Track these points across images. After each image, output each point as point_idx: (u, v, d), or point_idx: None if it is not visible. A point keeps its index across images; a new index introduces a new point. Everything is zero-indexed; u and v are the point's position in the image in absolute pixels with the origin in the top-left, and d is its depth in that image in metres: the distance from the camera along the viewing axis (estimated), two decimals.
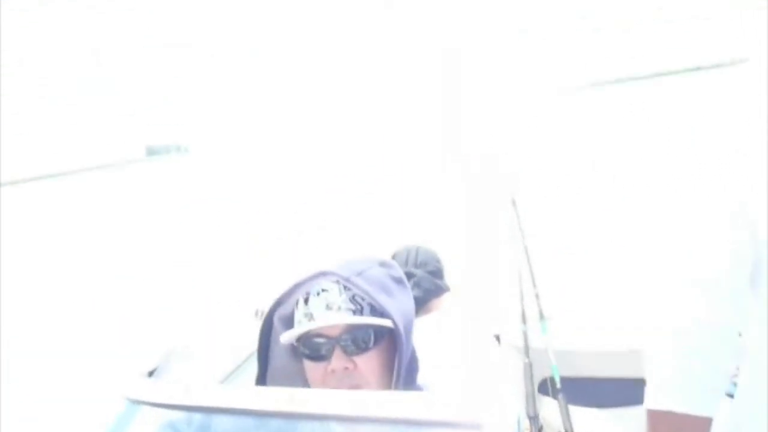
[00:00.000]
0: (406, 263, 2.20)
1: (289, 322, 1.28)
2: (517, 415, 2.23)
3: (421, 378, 1.33)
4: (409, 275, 2.13)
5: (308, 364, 1.22)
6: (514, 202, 3.53)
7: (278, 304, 1.30)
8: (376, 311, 1.21)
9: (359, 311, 1.19)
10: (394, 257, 2.24)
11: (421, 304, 2.10)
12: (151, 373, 1.42)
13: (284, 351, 1.31)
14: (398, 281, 1.31)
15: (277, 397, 0.88)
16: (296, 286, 1.28)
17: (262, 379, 1.31)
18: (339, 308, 1.19)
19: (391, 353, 1.23)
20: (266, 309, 1.38)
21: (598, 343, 2.71)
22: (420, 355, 2.06)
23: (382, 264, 1.34)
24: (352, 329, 1.18)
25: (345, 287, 1.21)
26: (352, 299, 1.20)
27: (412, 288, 2.17)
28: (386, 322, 1.19)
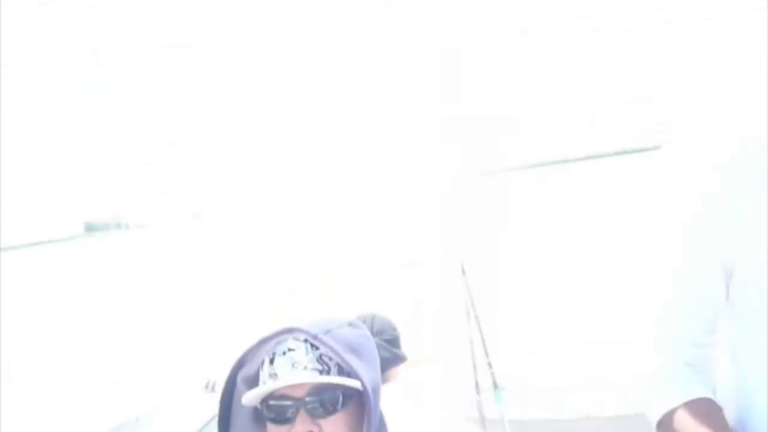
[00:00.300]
0: None
1: (253, 383, 1.21)
2: None
3: None
4: None
5: (271, 428, 1.16)
6: (463, 271, 3.55)
7: (241, 363, 1.24)
8: (344, 372, 1.17)
9: (326, 371, 1.15)
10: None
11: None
12: None
13: (247, 415, 1.25)
14: (367, 342, 1.28)
15: None
16: (261, 343, 1.22)
17: None
18: (305, 367, 1.14)
19: (358, 417, 1.19)
20: (217, 380, 1.32)
21: (553, 411, 2.70)
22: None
23: (351, 324, 1.31)
24: (318, 391, 1.14)
25: (312, 346, 1.17)
26: (319, 359, 1.16)
27: None
28: (354, 383, 1.16)
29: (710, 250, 1.01)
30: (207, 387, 1.84)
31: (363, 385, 1.15)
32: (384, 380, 2.02)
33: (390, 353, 2.10)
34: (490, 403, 2.80)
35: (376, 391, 1.19)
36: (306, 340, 1.18)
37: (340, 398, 1.15)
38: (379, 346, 2.02)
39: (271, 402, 1.15)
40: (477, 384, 2.86)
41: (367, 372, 1.19)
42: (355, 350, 1.22)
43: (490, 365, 2.90)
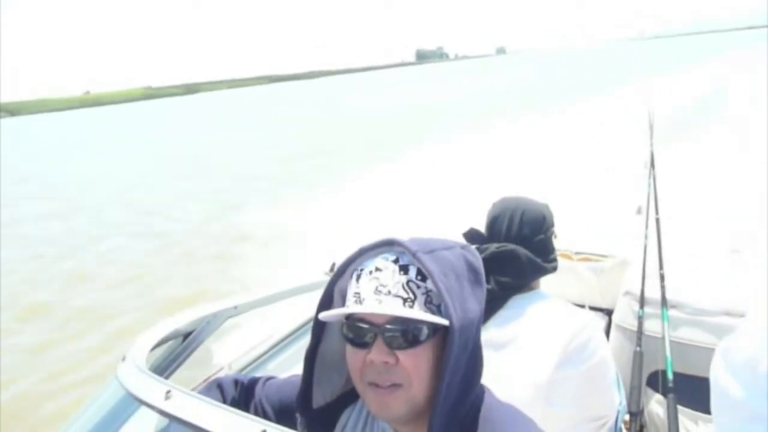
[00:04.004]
0: (508, 232, 1.89)
1: (345, 296, 1.14)
2: (616, 408, 1.97)
3: (486, 376, 1.15)
4: (508, 252, 1.85)
5: (349, 349, 1.08)
6: (652, 162, 3.11)
7: (339, 273, 1.16)
8: (432, 302, 1.03)
9: (411, 300, 1.02)
10: (494, 222, 1.95)
11: (518, 284, 1.85)
12: (186, 336, 1.35)
13: (338, 329, 1.17)
14: (473, 270, 1.11)
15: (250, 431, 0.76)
16: (359, 253, 1.12)
17: (312, 354, 1.19)
18: (389, 292, 1.02)
19: (445, 350, 1.05)
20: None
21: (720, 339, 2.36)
22: (503, 335, 1.85)
23: (463, 247, 1.15)
24: (401, 319, 1.01)
25: (401, 269, 1.04)
26: (406, 285, 1.02)
27: (511, 261, 1.91)
28: (438, 320, 1.01)
29: None
30: (332, 269, 1.79)
31: (451, 320, 1.01)
32: (528, 288, 1.83)
33: (532, 265, 1.85)
34: (654, 319, 2.51)
35: (467, 328, 1.03)
36: (396, 261, 1.05)
37: (424, 330, 1.02)
38: (522, 256, 1.80)
39: (351, 323, 1.06)
40: (642, 296, 2.56)
41: (462, 304, 1.04)
42: (457, 277, 1.06)
43: (662, 277, 2.56)
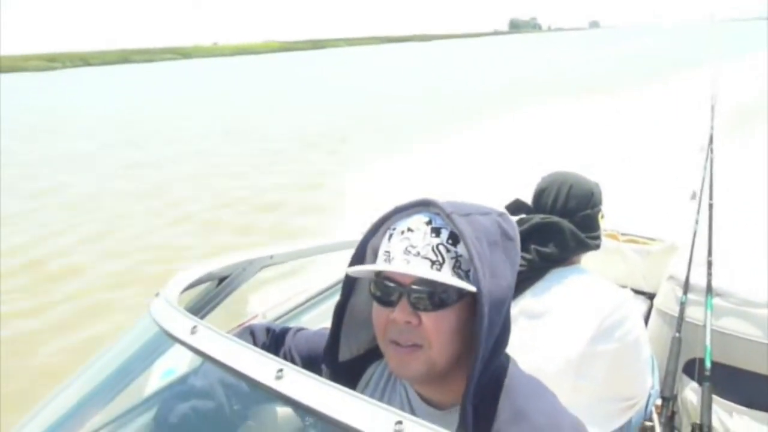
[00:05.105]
0: (554, 205, 1.87)
1: (377, 253, 1.14)
2: (648, 392, 1.95)
3: (519, 344, 1.15)
4: (552, 224, 1.83)
5: (375, 306, 1.09)
6: (710, 146, 3.01)
7: (373, 230, 1.16)
8: (461, 267, 1.02)
9: (439, 263, 1.01)
10: (541, 193, 1.93)
11: (560, 256, 1.83)
12: (221, 280, 1.38)
13: (367, 286, 1.18)
14: (507, 238, 1.09)
15: (267, 368, 0.79)
16: (394, 212, 1.13)
17: (341, 308, 1.21)
18: (417, 254, 1.02)
19: (471, 316, 1.05)
20: None
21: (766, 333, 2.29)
22: (539, 305, 1.83)
23: (500, 215, 1.13)
24: (428, 281, 1.01)
25: (433, 231, 1.03)
26: (435, 248, 1.02)
27: (554, 233, 1.89)
28: (464, 285, 1.01)
29: None
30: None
31: (479, 287, 1.00)
32: (570, 262, 1.81)
33: (575, 239, 1.82)
34: (697, 306, 2.45)
35: (496, 295, 1.03)
36: (429, 222, 1.05)
37: (451, 294, 1.02)
38: (567, 231, 1.78)
39: (379, 281, 1.07)
40: (687, 282, 2.50)
41: (492, 271, 1.03)
42: (491, 243, 1.05)
43: (710, 264, 2.48)
